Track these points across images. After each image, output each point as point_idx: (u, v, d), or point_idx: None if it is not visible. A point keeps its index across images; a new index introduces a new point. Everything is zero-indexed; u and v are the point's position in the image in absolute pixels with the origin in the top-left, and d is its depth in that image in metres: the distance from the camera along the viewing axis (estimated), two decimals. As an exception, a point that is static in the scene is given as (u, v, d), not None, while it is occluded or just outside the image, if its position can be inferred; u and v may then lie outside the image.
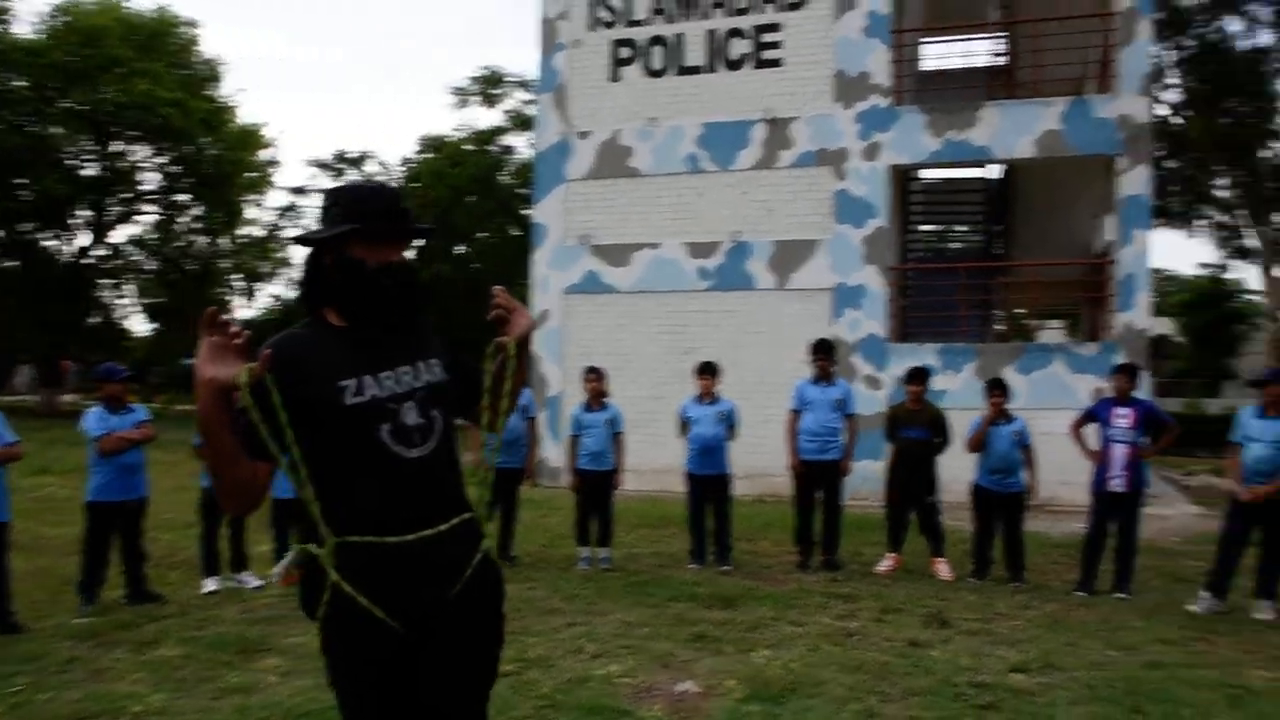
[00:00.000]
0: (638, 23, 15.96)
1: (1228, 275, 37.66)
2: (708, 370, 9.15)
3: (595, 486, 8.91)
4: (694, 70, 15.64)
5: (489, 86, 28.49)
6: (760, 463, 12.70)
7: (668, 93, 15.71)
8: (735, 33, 15.47)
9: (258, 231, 34.77)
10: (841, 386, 9.22)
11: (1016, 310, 25.89)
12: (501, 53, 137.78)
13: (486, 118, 49.05)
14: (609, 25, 16.12)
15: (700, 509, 8.99)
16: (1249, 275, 27.70)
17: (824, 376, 9.12)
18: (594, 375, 9.02)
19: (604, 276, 15.81)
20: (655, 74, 15.82)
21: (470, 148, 29.29)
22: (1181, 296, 43.16)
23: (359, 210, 2.54)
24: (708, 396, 9.05)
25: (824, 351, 9.11)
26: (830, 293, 14.82)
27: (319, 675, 3.05)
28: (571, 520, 9.33)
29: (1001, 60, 17.77)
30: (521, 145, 31.35)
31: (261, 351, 2.34)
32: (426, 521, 2.54)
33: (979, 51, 20.15)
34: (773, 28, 15.28)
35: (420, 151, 32.65)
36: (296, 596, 2.62)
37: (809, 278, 14.93)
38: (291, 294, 36.47)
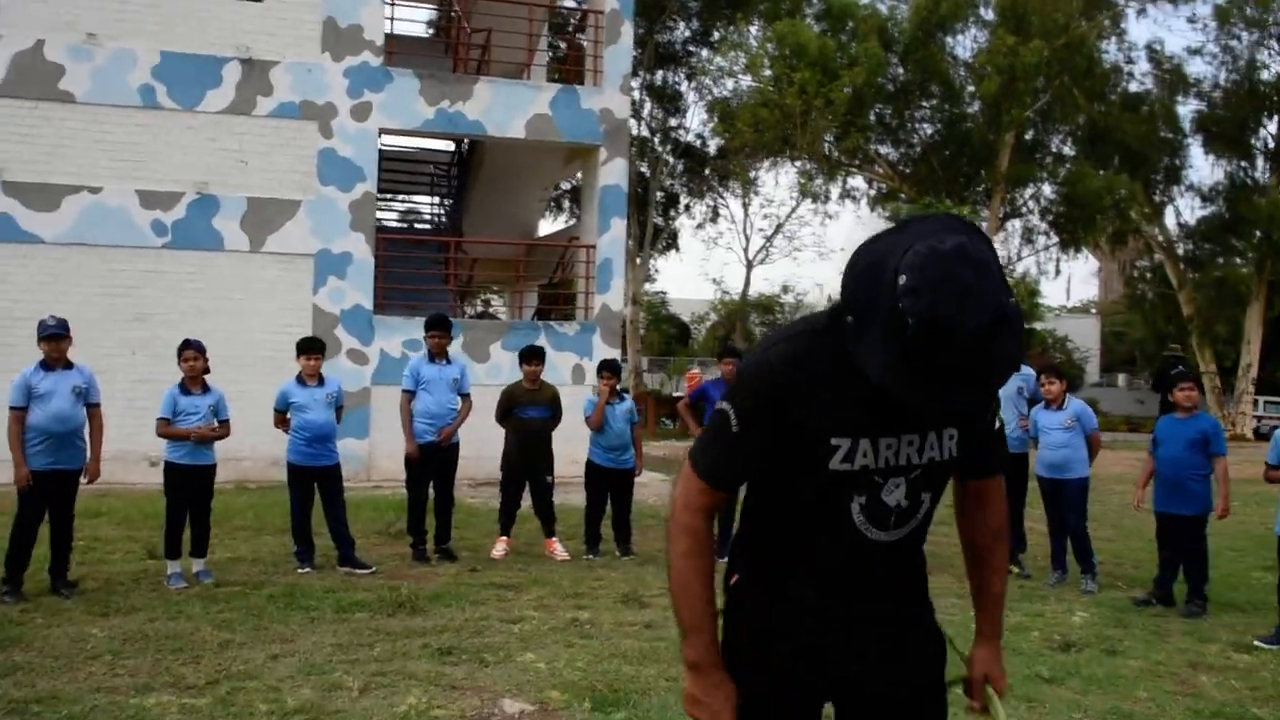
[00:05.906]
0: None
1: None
2: (315, 349, 8.00)
3: (194, 485, 7.28)
4: (150, -13, 13.30)
5: None
6: (242, 448, 11.14)
7: (114, 7, 13.12)
8: (199, -47, 13.46)
9: None
10: (459, 365, 8.69)
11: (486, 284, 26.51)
12: None
13: None
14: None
15: (308, 504, 7.87)
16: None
17: (440, 354, 8.50)
18: (193, 353, 7.29)
19: (22, 222, 12.74)
20: (97, -18, 13.13)
21: None
22: None
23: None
24: (313, 379, 7.92)
25: (440, 326, 8.50)
26: (312, 259, 13.72)
27: None
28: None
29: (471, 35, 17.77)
30: None
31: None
32: (866, 594, 2.06)
33: (420, 20, 20.05)
34: (247, -44, 13.59)
35: None
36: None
37: (288, 241, 13.63)
38: None
